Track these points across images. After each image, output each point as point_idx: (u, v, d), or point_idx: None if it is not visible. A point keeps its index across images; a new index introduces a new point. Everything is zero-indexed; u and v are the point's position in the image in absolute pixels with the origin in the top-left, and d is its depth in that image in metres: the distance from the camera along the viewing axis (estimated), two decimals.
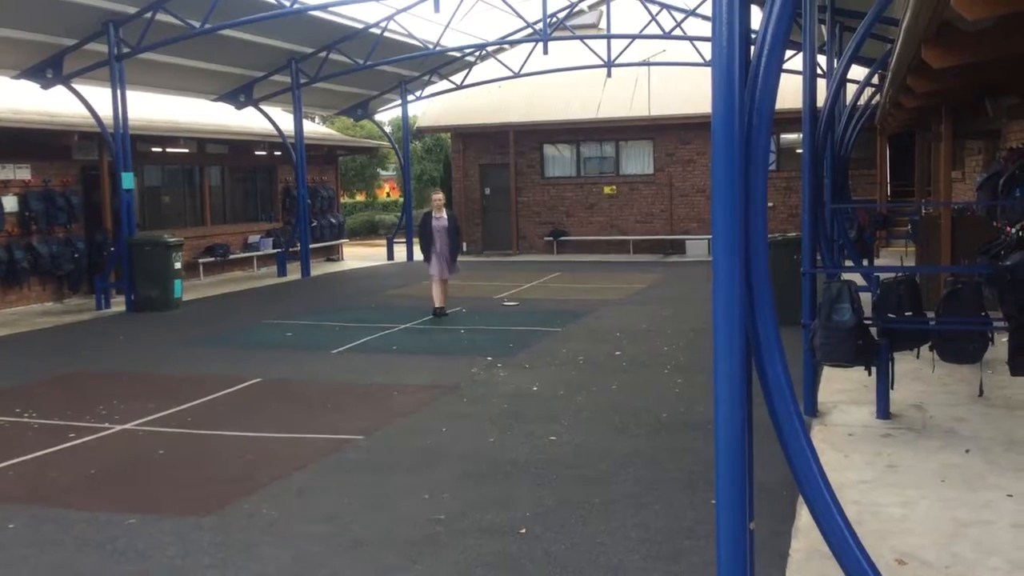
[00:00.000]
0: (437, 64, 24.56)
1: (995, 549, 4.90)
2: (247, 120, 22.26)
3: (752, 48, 3.18)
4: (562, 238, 26.07)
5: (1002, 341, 6.85)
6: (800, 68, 8.47)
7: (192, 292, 17.95)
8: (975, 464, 6.32)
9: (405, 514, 5.82)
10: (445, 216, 14.06)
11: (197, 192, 21.74)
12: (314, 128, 28.70)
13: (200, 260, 20.85)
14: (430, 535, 5.45)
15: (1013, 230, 9.77)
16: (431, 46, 21.30)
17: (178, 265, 16.07)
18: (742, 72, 3.05)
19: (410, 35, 20.86)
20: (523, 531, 5.46)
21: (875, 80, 14.04)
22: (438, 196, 14.38)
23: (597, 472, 6.58)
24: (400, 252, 25.61)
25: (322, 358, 11.28)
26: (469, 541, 5.33)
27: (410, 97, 25.84)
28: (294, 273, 21.48)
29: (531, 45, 22.57)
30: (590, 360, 10.70)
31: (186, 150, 20.70)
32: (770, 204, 23.90)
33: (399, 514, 5.82)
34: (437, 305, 14.05)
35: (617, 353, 11.08)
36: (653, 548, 5.15)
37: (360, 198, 44.29)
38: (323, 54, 20.23)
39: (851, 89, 14.02)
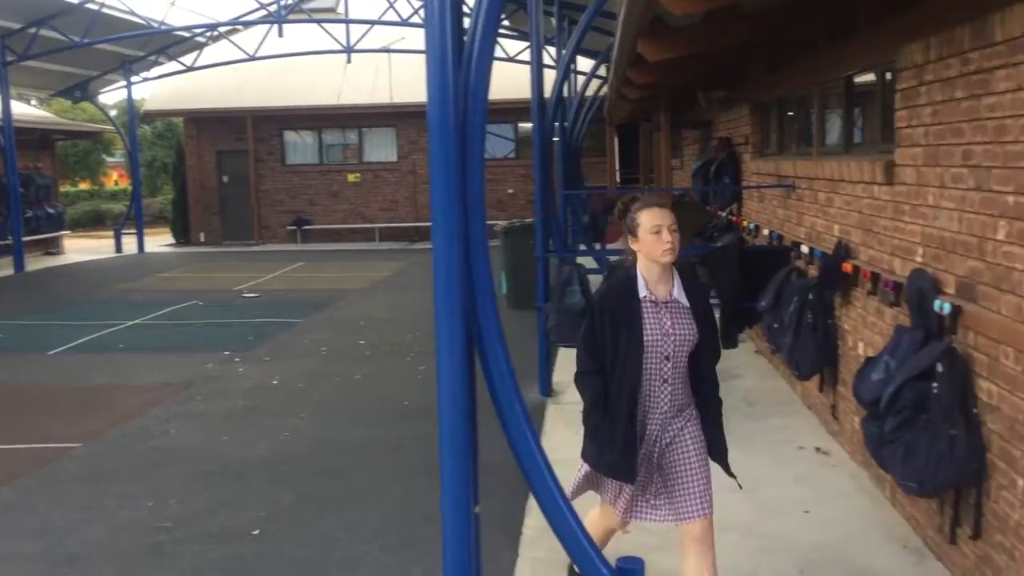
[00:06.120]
0: (164, 44, 23.18)
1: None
2: None
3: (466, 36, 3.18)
4: (306, 227, 25.48)
5: (715, 317, 7.35)
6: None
7: None
8: None
9: (125, 524, 5.43)
10: (677, 282, 3.66)
11: None
12: (26, 110, 26.28)
13: None
14: (153, 544, 5.11)
15: (723, 213, 10.60)
16: (156, 24, 20.08)
17: None
18: (455, 56, 3.03)
19: (132, 12, 19.56)
20: (256, 532, 5.25)
21: (603, 72, 14.72)
22: (659, 217, 3.55)
23: (338, 465, 6.46)
24: (130, 244, 24.05)
25: (38, 360, 10.35)
26: (196, 548, 5.05)
27: (135, 78, 24.27)
28: (6, 268, 19.59)
29: (267, 27, 21.83)
30: (333, 350, 10.52)
31: None
32: (510, 191, 24.58)
33: (119, 525, 5.42)
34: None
35: (361, 342, 10.96)
36: (391, 538, 5.12)
37: (84, 186, 41.13)
38: (33, 30, 18.53)
39: (582, 81, 14.62)
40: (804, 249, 6.93)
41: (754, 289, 7.16)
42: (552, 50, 12.73)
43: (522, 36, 19.91)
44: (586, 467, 3.84)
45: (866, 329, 5.55)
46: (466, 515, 3.10)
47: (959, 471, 3.88)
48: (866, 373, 4.43)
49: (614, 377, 3.58)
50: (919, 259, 4.63)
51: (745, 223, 9.55)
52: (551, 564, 4.55)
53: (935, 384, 3.89)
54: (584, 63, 17.16)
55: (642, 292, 3.56)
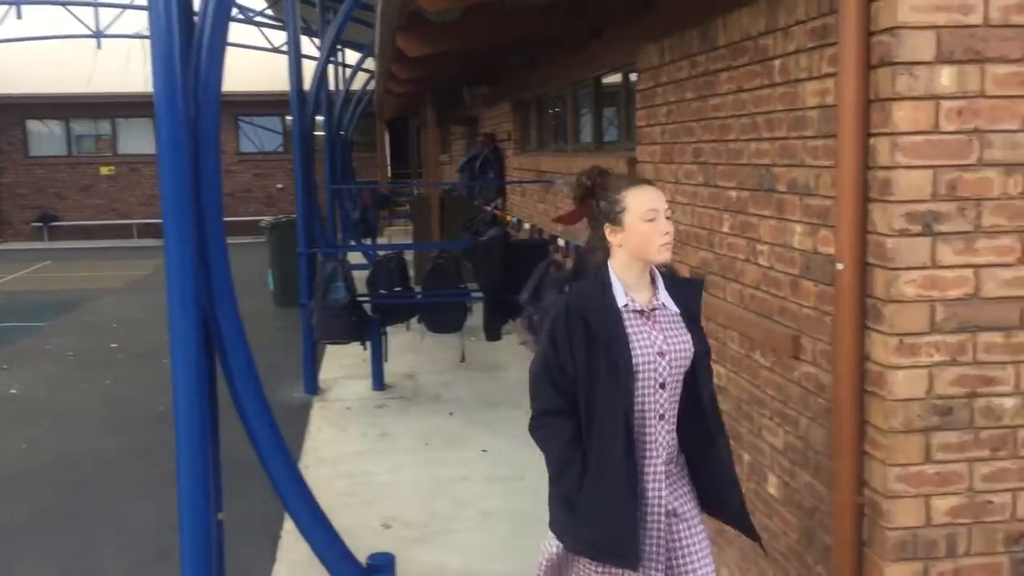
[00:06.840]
0: None
1: (469, 502, 5.34)
2: None
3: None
4: (53, 223, 23.71)
5: (479, 309, 7.46)
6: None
7: None
8: (456, 425, 6.85)
9: None
10: (659, 281, 2.70)
11: None
12: None
13: None
14: None
15: (489, 208, 10.79)
16: None
17: None
18: (183, 44, 2.88)
19: None
20: None
21: (371, 65, 14.60)
22: (655, 199, 2.60)
23: (82, 477, 6.05)
24: None
25: None
26: None
27: None
28: None
29: (4, 9, 20.05)
30: (82, 355, 9.85)
31: None
32: (280, 186, 23.88)
33: None
34: None
35: (113, 345, 10.33)
36: (139, 551, 4.84)
37: None
38: None
39: (349, 74, 14.43)
40: (561, 242, 7.16)
41: (517, 282, 7.33)
42: (318, 41, 12.49)
43: (281, 26, 19.41)
44: (553, 549, 2.70)
45: None
46: (206, 523, 2.97)
47: None
48: None
49: (593, 420, 2.54)
50: None
51: (509, 217, 9.76)
52: (308, 566, 4.45)
53: None
54: (353, 57, 16.96)
55: (621, 300, 2.59)
